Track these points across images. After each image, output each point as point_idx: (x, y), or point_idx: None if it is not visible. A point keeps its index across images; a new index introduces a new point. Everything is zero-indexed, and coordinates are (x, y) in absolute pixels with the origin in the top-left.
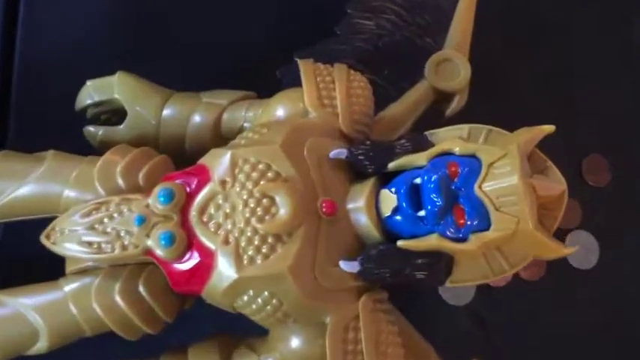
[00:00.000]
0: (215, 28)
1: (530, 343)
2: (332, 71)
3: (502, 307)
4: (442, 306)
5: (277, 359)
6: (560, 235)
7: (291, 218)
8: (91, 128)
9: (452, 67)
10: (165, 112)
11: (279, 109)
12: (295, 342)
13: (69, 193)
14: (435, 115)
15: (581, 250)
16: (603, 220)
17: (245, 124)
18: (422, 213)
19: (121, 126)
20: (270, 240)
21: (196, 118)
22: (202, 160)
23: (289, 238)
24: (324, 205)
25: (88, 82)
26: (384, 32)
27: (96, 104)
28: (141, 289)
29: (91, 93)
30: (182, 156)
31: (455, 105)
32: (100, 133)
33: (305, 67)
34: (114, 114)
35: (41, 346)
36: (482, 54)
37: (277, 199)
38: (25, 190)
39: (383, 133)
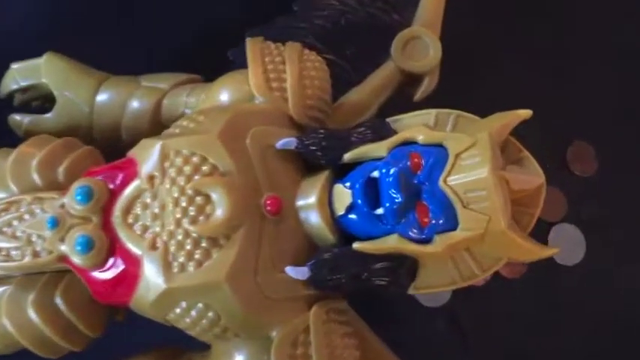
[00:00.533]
0: (176, 5)
1: (511, 346)
2: (283, 51)
3: (481, 308)
4: (417, 307)
5: None
6: (544, 228)
7: (228, 218)
8: (16, 117)
9: (421, 45)
10: (99, 97)
11: (223, 93)
12: (239, 359)
13: None
14: (403, 100)
15: (566, 245)
16: (590, 212)
17: (186, 111)
18: (380, 211)
19: (49, 114)
20: (204, 244)
21: (134, 104)
22: (131, 152)
23: (227, 241)
24: (268, 202)
25: (13, 66)
26: (347, 9)
27: (23, 90)
28: (58, 300)
29: (16, 77)
30: (119, 148)
31: (424, 88)
32: (26, 121)
33: (252, 45)
34: (45, 100)
35: None
36: (455, 32)
37: (213, 196)
38: None
39: (343, 122)
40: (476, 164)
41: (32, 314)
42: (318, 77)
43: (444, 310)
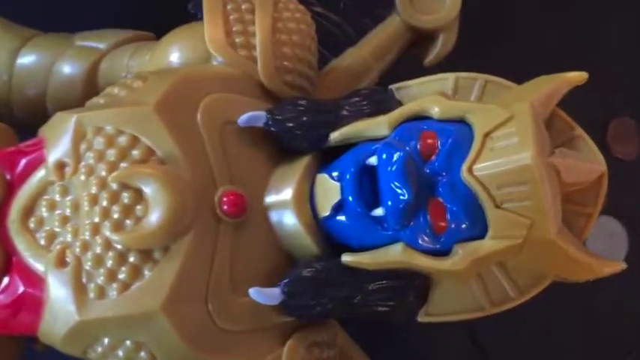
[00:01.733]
0: None
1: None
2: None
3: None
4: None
5: None
6: None
7: (167, 224)
8: None
9: None
10: (21, 60)
11: (172, 52)
12: None
13: None
14: (412, 65)
15: (605, 242)
16: (633, 203)
17: (128, 76)
18: (379, 211)
19: None
20: (132, 259)
21: (63, 69)
22: (41, 130)
23: (164, 255)
24: (225, 199)
25: None
26: None
27: None
28: None
29: None
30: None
31: (438, 49)
32: None
33: None
34: None
35: None
36: None
37: (147, 192)
38: None
39: (334, 93)
40: (513, 147)
41: None
42: (298, 31)
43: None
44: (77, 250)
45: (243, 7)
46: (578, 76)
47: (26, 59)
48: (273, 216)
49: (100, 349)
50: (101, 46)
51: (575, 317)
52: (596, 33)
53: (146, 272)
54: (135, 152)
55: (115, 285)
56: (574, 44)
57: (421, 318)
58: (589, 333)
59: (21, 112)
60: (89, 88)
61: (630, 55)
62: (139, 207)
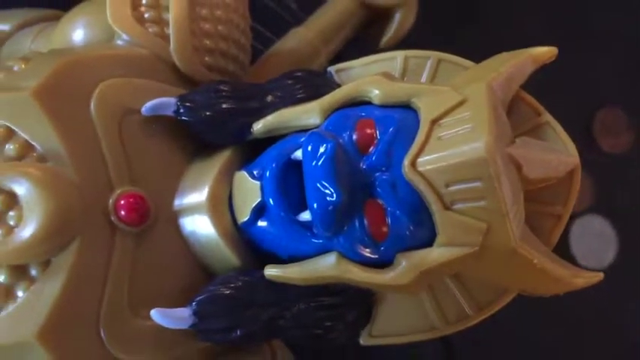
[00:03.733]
0: None
1: None
2: None
3: (478, 332)
4: None
5: None
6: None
7: (46, 233)
8: None
9: None
10: None
11: (74, 30)
12: None
13: None
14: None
15: (592, 243)
16: (622, 201)
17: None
18: (306, 216)
19: None
20: (1, 278)
21: None
22: None
23: (43, 271)
24: (122, 202)
25: None
26: None
27: None
28: None
29: None
30: None
31: (395, 29)
32: None
33: None
34: None
35: None
36: None
37: (21, 195)
38: None
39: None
40: (465, 135)
41: None
42: (223, 5)
43: None
44: None
45: None
46: (546, 52)
47: None
48: (185, 223)
49: None
50: (4, 27)
51: (555, 318)
52: (583, 25)
53: (19, 293)
54: (9, 147)
55: None
56: (558, 29)
57: (363, 341)
58: (571, 337)
59: None
60: None
61: (617, 41)
62: (11, 213)
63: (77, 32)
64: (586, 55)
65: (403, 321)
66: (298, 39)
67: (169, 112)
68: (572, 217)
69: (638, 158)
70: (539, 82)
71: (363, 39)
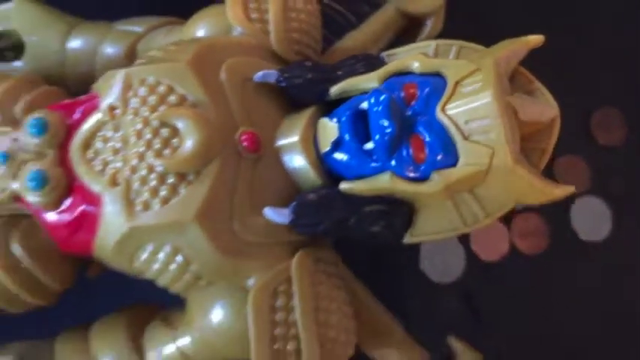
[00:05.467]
0: None
1: (529, 330)
2: None
3: (497, 286)
4: (426, 282)
5: (195, 336)
6: (565, 201)
7: (198, 151)
8: None
9: None
10: (70, 44)
11: (199, 29)
12: (216, 313)
13: None
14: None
15: (590, 220)
16: (616, 185)
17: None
18: (370, 145)
19: (19, 61)
20: (171, 180)
21: (107, 50)
22: (94, 86)
23: (197, 177)
24: (243, 137)
25: None
26: None
27: None
28: (15, 247)
29: None
30: None
31: (427, 33)
32: None
33: None
34: (19, 52)
35: None
36: None
37: (181, 127)
38: None
39: None
40: (478, 90)
41: None
42: (306, 11)
43: (455, 287)
44: (126, 173)
45: None
46: (535, 39)
47: (75, 43)
48: (284, 155)
49: (144, 256)
50: (138, 29)
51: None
52: (581, 28)
53: (182, 190)
54: (171, 98)
55: (157, 200)
56: (559, 37)
57: (407, 240)
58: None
59: (74, 86)
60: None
61: (613, 48)
62: (174, 140)
63: (201, 29)
64: (585, 61)
65: (434, 224)
66: (354, 39)
67: (272, 80)
68: (573, 198)
69: (628, 150)
70: (547, 86)
71: (401, 41)
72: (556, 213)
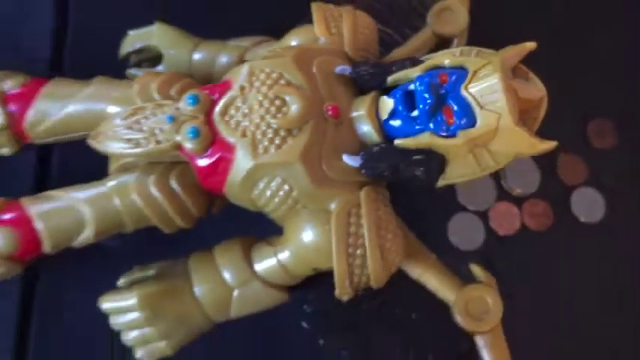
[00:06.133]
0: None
1: (535, 290)
2: (340, 10)
3: (510, 256)
4: (450, 249)
5: (291, 250)
6: (566, 191)
7: (300, 114)
8: (132, 71)
9: (452, 15)
10: (196, 55)
11: (293, 40)
12: (307, 230)
13: (112, 108)
14: None
15: (587, 206)
16: (608, 179)
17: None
18: (415, 113)
19: (159, 67)
20: (282, 133)
21: (223, 59)
22: (225, 76)
23: (299, 132)
24: (329, 108)
25: (131, 32)
26: None
27: (137, 51)
28: (173, 183)
29: (133, 41)
30: None
31: (454, 47)
32: (141, 74)
33: (315, 5)
34: (153, 63)
35: (87, 235)
36: (482, 4)
37: (288, 99)
38: (74, 107)
39: None
40: (489, 74)
41: (154, 191)
42: (368, 28)
43: (476, 254)
44: (252, 129)
45: (335, 14)
46: (530, 45)
47: (198, 55)
48: (356, 123)
49: (261, 185)
50: (245, 44)
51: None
52: (579, 49)
53: (289, 140)
54: (281, 81)
55: (273, 146)
56: (558, 53)
57: (440, 183)
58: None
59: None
60: None
61: (607, 66)
62: (284, 108)
63: (294, 40)
64: (581, 77)
65: (459, 171)
66: (400, 53)
67: (347, 73)
68: (572, 188)
69: (618, 152)
70: (551, 99)
71: None
72: (559, 200)
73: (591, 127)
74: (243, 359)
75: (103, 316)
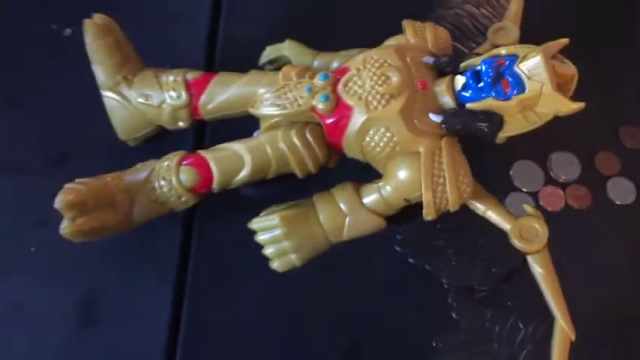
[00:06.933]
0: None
1: (575, 260)
2: (424, 24)
3: (555, 231)
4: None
5: (391, 185)
6: (602, 181)
7: (399, 84)
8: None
9: (506, 31)
10: (316, 62)
11: (391, 42)
12: (402, 169)
13: (262, 90)
14: None
15: (621, 192)
16: (638, 170)
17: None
18: (481, 84)
19: None
20: (386, 96)
21: (335, 64)
22: (344, 64)
23: (398, 97)
24: (419, 82)
25: (268, 48)
26: (465, 14)
27: (271, 61)
28: (308, 135)
29: (269, 53)
30: None
31: None
32: None
33: (406, 22)
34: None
35: (244, 174)
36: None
37: (390, 74)
38: (235, 90)
39: None
40: (534, 56)
41: (296, 140)
42: (444, 37)
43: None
44: (365, 94)
45: (419, 26)
46: (564, 41)
47: (317, 62)
48: (438, 95)
49: (371, 133)
50: (353, 52)
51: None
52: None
53: (392, 102)
54: (385, 64)
55: (380, 105)
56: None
57: (501, 135)
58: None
59: None
60: None
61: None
62: (388, 81)
63: (392, 41)
64: (616, 86)
65: (513, 127)
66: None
67: (431, 62)
68: (607, 178)
69: None
70: (590, 108)
71: None
72: (596, 187)
73: (622, 132)
74: (349, 276)
75: (251, 248)
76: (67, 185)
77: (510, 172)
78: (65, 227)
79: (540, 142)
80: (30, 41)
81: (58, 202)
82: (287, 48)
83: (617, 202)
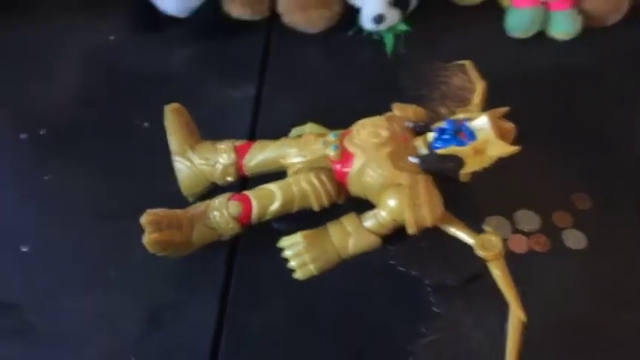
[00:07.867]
0: None
1: (536, 297)
2: (408, 104)
3: (520, 268)
4: None
5: (384, 210)
6: (558, 231)
7: (387, 137)
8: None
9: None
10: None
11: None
12: (392, 198)
13: (289, 151)
14: None
15: (574, 239)
16: (590, 225)
17: None
18: (446, 136)
19: None
20: (378, 145)
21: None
22: (349, 128)
23: (387, 146)
24: (402, 137)
25: (293, 129)
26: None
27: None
28: (322, 176)
29: (296, 132)
30: None
31: None
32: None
33: (395, 104)
34: None
35: (276, 205)
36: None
37: (381, 131)
38: (269, 153)
39: None
40: (482, 116)
41: (314, 181)
42: (419, 112)
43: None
44: (363, 145)
45: (403, 105)
46: (504, 109)
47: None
48: (417, 146)
49: (368, 170)
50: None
51: None
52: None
53: (382, 149)
54: (377, 125)
55: (373, 152)
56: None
57: (461, 178)
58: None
59: None
60: None
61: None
62: (379, 135)
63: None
64: (570, 163)
65: (471, 165)
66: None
67: (411, 126)
68: (562, 229)
69: (594, 214)
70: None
71: None
72: (554, 236)
73: (575, 196)
74: (347, 285)
75: (281, 269)
76: (149, 210)
77: (482, 225)
78: (145, 238)
79: (507, 202)
80: (116, 133)
81: (142, 219)
82: (308, 127)
83: (572, 248)
